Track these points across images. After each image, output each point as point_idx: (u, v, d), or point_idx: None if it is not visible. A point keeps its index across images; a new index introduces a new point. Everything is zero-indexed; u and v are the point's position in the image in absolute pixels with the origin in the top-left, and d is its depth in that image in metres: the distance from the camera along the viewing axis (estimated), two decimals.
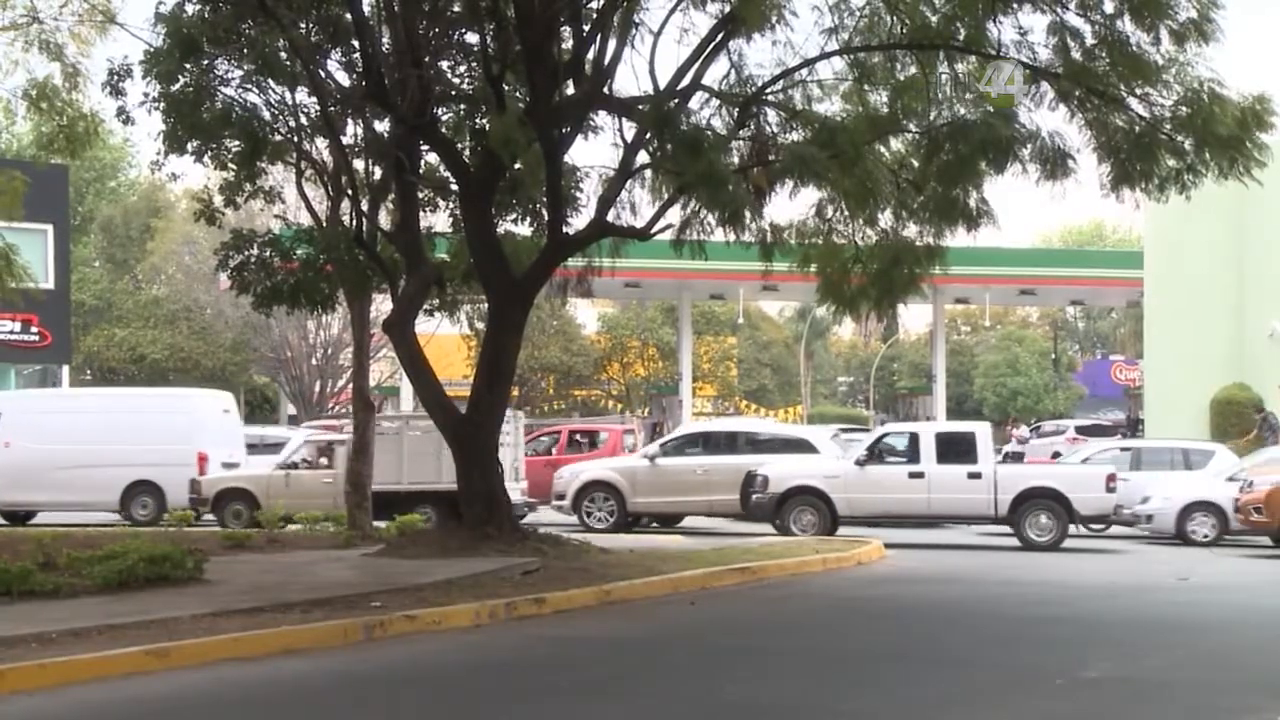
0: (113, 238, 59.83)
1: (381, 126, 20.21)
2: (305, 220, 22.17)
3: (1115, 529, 25.28)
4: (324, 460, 25.11)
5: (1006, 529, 23.37)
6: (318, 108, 19.18)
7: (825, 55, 17.94)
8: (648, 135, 17.90)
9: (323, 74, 19.46)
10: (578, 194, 20.32)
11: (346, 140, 20.31)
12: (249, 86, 19.41)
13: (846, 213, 18.61)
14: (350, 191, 20.05)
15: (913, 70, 17.79)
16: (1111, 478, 23.24)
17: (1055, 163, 17.36)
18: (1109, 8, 16.52)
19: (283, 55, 18.64)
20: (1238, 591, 17.65)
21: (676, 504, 25.91)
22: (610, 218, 18.77)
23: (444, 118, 20.05)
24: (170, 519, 23.55)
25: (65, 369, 41.02)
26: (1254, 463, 25.41)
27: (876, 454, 23.90)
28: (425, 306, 21.14)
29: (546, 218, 19.26)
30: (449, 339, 40.61)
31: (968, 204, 18.22)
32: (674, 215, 18.64)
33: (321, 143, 20.69)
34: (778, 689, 10.52)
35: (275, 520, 21.49)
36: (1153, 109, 16.87)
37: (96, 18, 21.41)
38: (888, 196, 18.06)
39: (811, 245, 19.16)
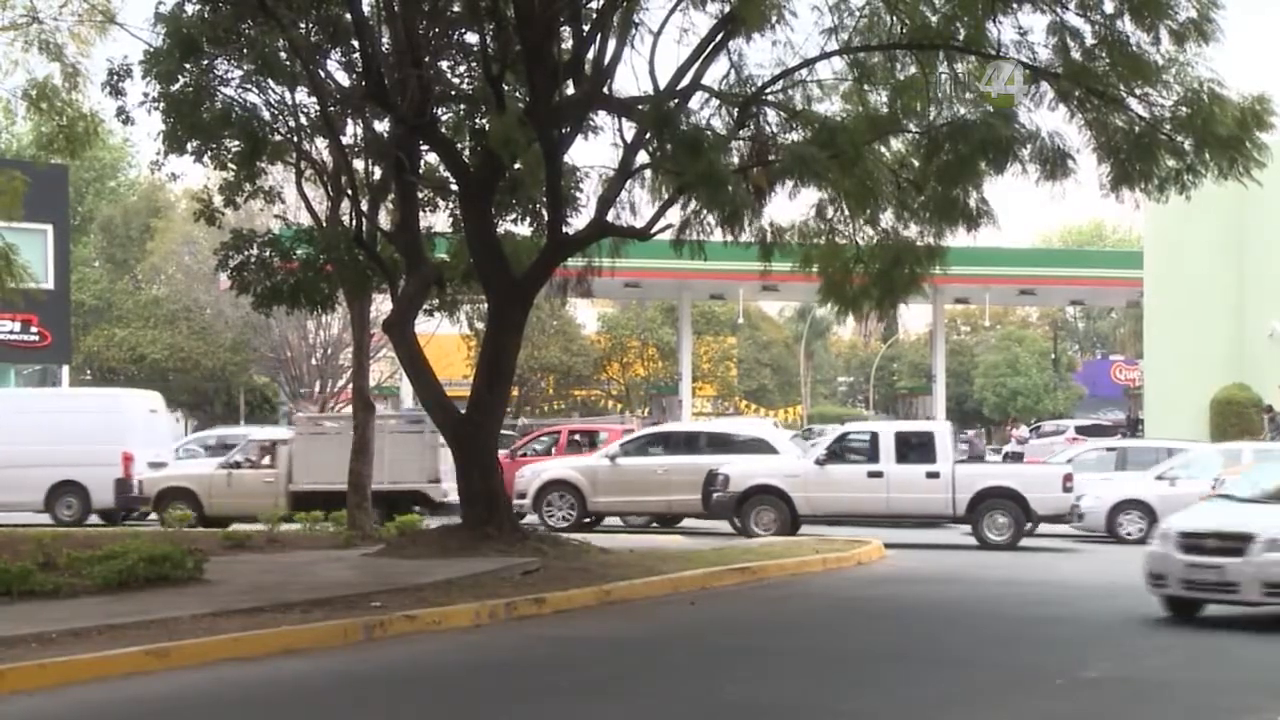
0: (113, 238, 59.85)
1: (381, 126, 20.23)
2: (305, 220, 22.18)
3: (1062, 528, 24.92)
4: (266, 460, 25.18)
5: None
6: (317, 108, 19.18)
7: (825, 55, 17.94)
8: (648, 135, 17.89)
9: (322, 74, 19.48)
10: (578, 194, 20.34)
11: (346, 140, 20.33)
12: (249, 86, 19.43)
13: (847, 213, 18.63)
14: (350, 191, 20.06)
15: (912, 70, 17.77)
16: (1068, 477, 23.11)
17: (1055, 163, 17.35)
18: (1109, 8, 16.51)
19: (282, 55, 18.65)
20: None
21: (637, 503, 25.85)
22: (610, 218, 18.77)
23: (444, 118, 20.06)
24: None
25: (65, 369, 41.03)
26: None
27: (837, 454, 23.81)
28: (425, 306, 21.18)
29: (546, 218, 19.27)
30: (449, 339, 40.62)
31: (968, 204, 18.22)
32: (674, 215, 18.67)
33: (321, 143, 20.72)
34: (778, 689, 10.53)
35: (275, 520, 21.47)
36: (1152, 109, 16.86)
37: (96, 18, 21.41)
38: (888, 196, 18.10)
39: (813, 245, 19.19)
